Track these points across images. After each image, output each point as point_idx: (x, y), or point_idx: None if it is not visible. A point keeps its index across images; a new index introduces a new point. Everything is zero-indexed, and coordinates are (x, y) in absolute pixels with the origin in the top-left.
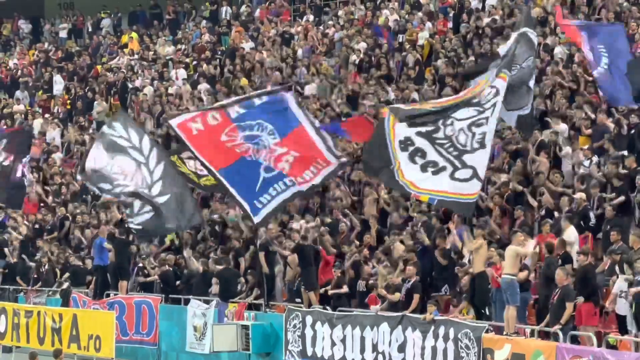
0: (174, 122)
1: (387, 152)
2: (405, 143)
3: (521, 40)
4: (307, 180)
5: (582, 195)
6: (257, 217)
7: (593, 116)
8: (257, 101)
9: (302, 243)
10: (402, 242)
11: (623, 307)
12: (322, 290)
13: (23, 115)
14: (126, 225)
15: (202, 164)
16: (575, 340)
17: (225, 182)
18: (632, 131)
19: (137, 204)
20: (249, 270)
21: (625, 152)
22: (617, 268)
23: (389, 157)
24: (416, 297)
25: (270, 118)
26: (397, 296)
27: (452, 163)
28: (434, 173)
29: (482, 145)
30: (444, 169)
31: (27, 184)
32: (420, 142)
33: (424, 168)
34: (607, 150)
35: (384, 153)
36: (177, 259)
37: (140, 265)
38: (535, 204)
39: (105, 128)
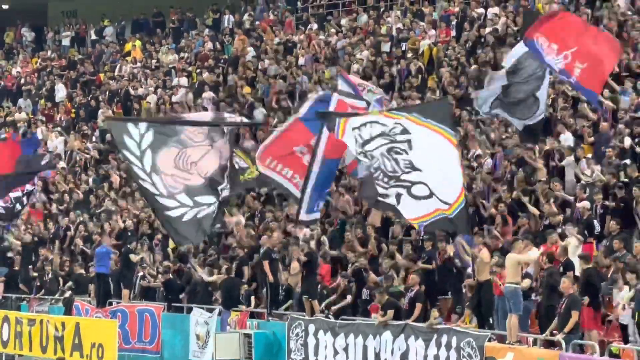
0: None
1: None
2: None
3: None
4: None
5: (586, 204)
6: (306, 215)
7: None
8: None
9: (310, 250)
10: (400, 252)
11: (626, 317)
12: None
13: (26, 124)
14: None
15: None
16: (578, 349)
17: (315, 172)
18: (636, 139)
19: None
20: (244, 280)
21: (628, 161)
22: (620, 278)
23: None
24: (419, 306)
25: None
26: (390, 315)
27: (401, 186)
28: (398, 203)
29: (414, 169)
30: (399, 195)
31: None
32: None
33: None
34: (610, 158)
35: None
36: (180, 267)
37: (141, 274)
38: (536, 212)
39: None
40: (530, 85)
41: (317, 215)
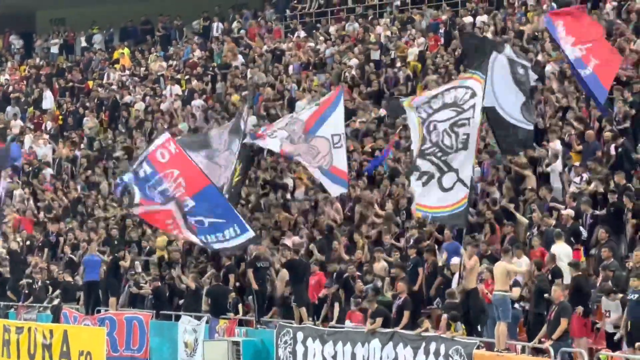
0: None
1: None
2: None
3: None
4: None
5: (570, 212)
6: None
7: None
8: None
9: (293, 258)
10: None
11: (611, 325)
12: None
13: (17, 131)
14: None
15: None
16: (567, 356)
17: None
18: (620, 149)
19: None
20: (232, 288)
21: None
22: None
23: None
24: (407, 314)
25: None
26: (378, 322)
27: (439, 167)
28: (424, 184)
29: (465, 146)
30: (432, 176)
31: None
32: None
33: (423, 185)
34: (594, 168)
35: None
36: (168, 275)
37: (131, 281)
38: (525, 221)
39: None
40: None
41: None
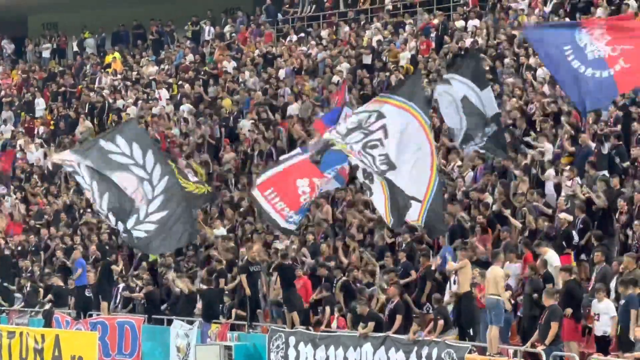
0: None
1: None
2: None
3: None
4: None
5: (566, 215)
6: (286, 223)
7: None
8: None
9: (282, 262)
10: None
11: (600, 329)
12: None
13: (9, 135)
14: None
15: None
16: None
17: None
18: (613, 152)
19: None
20: (226, 292)
21: (606, 172)
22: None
23: None
24: (399, 318)
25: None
26: (370, 327)
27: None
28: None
29: (391, 166)
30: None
31: None
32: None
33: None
34: (588, 171)
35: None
36: (159, 279)
37: (122, 285)
38: (519, 225)
39: (105, 143)
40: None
41: (294, 226)
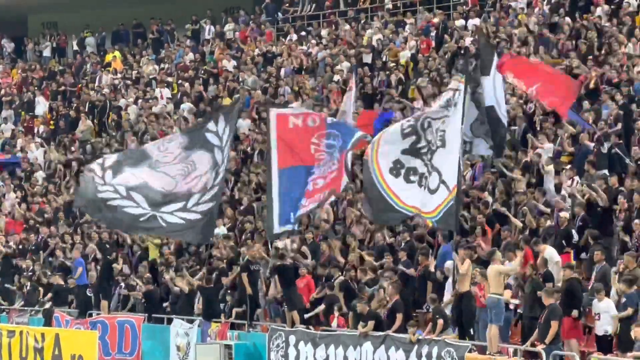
0: (275, 110)
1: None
2: (396, 168)
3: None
4: (306, 205)
5: (565, 214)
6: (281, 227)
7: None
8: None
9: (281, 263)
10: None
11: (600, 328)
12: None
13: (9, 134)
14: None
15: (267, 156)
16: (559, 359)
17: (274, 182)
18: (612, 151)
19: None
20: (229, 291)
21: (606, 171)
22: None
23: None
24: (399, 316)
25: (344, 135)
26: (370, 325)
27: (428, 168)
28: (412, 182)
29: (443, 144)
30: (424, 177)
31: None
32: (408, 160)
33: (419, 185)
34: (587, 171)
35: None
36: (159, 278)
37: (122, 284)
38: (519, 224)
39: (210, 124)
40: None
41: (290, 226)
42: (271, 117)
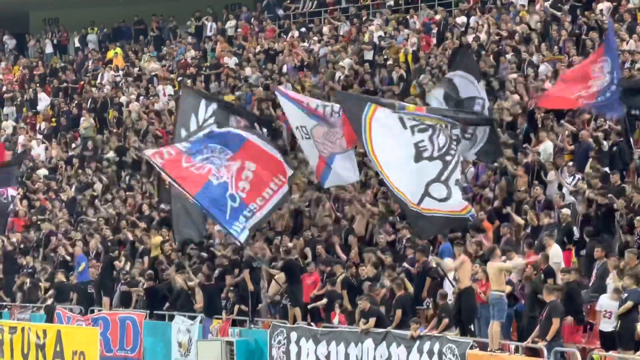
0: (148, 152)
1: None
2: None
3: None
4: (262, 206)
5: (567, 211)
6: (240, 235)
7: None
8: (201, 134)
9: (288, 259)
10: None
11: (605, 324)
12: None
13: (11, 131)
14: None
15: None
16: (559, 356)
17: (203, 206)
18: (614, 148)
19: None
20: (231, 288)
21: (607, 169)
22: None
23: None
24: (398, 313)
25: (215, 141)
26: (372, 322)
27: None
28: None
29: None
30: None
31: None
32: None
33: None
34: (593, 167)
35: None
36: (161, 275)
37: (123, 281)
38: (521, 222)
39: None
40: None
41: (245, 234)
42: (155, 161)
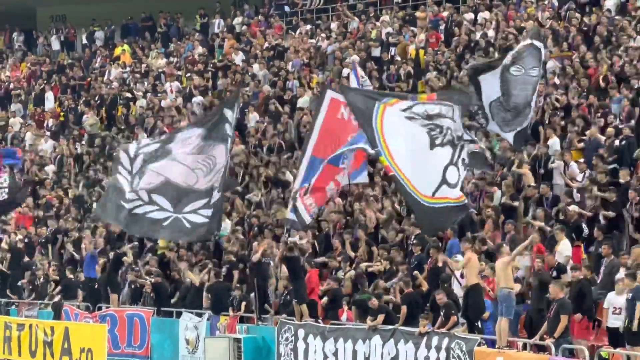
0: (330, 93)
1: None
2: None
3: (528, 50)
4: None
5: (575, 207)
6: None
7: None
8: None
9: (289, 255)
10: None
11: (614, 321)
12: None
13: (18, 128)
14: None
15: (305, 143)
16: (567, 353)
17: (302, 167)
18: (623, 142)
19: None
20: (237, 285)
21: (616, 165)
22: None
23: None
24: (404, 309)
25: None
26: (379, 319)
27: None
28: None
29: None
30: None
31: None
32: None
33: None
34: (596, 165)
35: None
36: (169, 272)
37: (129, 277)
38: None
39: (226, 111)
40: (527, 86)
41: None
42: (325, 99)
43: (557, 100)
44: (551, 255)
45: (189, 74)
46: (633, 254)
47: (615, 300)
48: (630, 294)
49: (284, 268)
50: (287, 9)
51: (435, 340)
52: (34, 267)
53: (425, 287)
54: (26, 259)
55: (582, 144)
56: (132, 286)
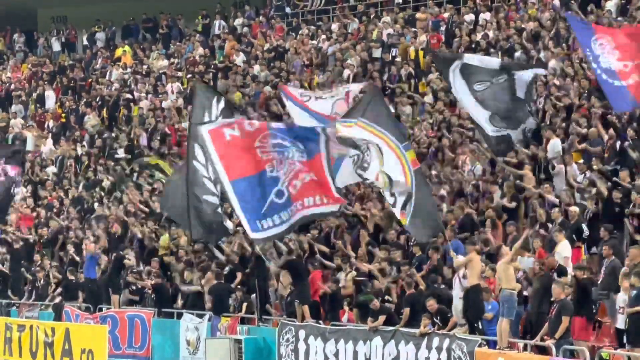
0: (206, 128)
1: None
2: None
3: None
4: (307, 207)
5: (576, 208)
6: (254, 234)
7: (584, 132)
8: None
9: (291, 258)
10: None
11: (622, 322)
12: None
13: (18, 129)
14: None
15: (215, 171)
16: (568, 354)
17: (232, 194)
18: (625, 143)
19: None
20: (238, 286)
21: (617, 166)
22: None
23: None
24: (406, 311)
25: (303, 141)
26: (380, 320)
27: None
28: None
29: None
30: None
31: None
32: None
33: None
34: (593, 165)
35: None
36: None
37: (131, 279)
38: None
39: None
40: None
41: (266, 233)
42: (205, 136)
43: (558, 99)
44: (552, 257)
45: (189, 75)
46: (631, 254)
47: (622, 300)
48: (634, 294)
49: (286, 273)
50: (288, 10)
51: (436, 341)
52: (34, 268)
53: (423, 286)
54: (27, 259)
55: (583, 145)
56: (131, 281)
